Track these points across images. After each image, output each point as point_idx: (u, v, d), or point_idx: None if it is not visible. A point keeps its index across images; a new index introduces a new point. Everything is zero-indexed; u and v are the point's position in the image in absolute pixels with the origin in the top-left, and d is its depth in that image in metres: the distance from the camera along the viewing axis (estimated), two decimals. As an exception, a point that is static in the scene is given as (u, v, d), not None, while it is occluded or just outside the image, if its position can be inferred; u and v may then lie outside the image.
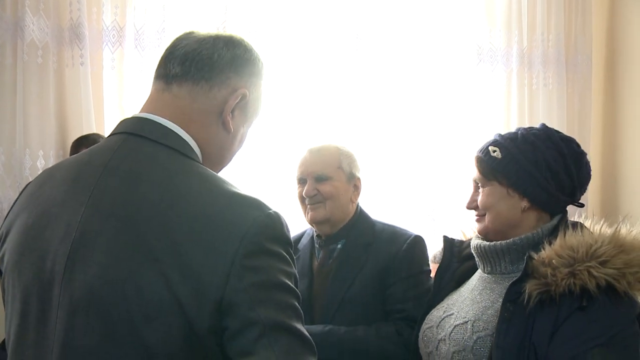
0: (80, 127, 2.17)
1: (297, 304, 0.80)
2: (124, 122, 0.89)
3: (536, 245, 1.13)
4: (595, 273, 1.03)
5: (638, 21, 2.62)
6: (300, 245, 1.65)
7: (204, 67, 0.88)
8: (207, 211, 0.77)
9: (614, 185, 2.74)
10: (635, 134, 2.63)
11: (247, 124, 0.96)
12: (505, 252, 1.17)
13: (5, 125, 2.15)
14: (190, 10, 2.30)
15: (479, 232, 1.23)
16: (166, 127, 0.86)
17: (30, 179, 2.15)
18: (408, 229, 1.74)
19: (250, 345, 0.75)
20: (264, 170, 2.39)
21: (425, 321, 1.27)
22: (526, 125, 2.52)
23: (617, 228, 1.11)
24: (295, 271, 0.83)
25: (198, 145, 0.88)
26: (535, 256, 1.08)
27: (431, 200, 2.52)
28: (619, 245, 1.06)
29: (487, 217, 1.20)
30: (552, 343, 1.03)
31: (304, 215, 1.59)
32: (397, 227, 1.63)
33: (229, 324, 0.76)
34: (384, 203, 2.48)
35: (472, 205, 1.23)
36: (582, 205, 1.25)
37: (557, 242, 1.08)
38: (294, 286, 0.81)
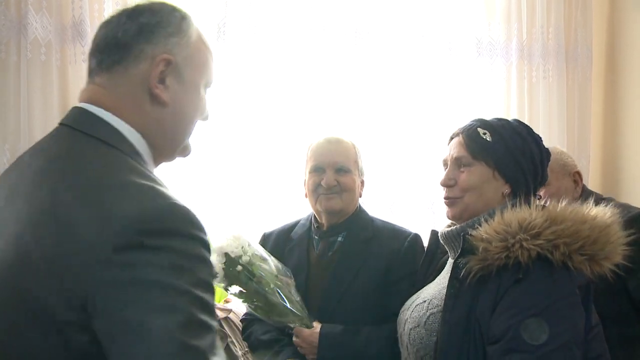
0: (83, 123, 2.17)
1: (185, 304, 0.68)
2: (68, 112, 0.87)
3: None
4: (525, 245, 1.05)
5: (639, 13, 2.57)
6: (295, 234, 1.67)
7: (112, 51, 0.83)
8: (93, 200, 0.71)
9: (614, 179, 2.72)
10: (635, 126, 2.64)
11: (193, 90, 0.88)
12: (460, 234, 1.20)
13: (9, 122, 2.20)
14: (190, 6, 2.28)
15: (452, 216, 1.24)
16: (96, 115, 0.81)
17: (35, 175, 2.16)
18: (408, 222, 1.74)
19: (117, 350, 0.67)
20: (262, 166, 2.40)
21: (402, 307, 1.33)
22: (525, 118, 2.51)
23: (552, 202, 1.15)
24: (200, 271, 0.71)
25: (139, 132, 0.83)
26: (473, 233, 1.12)
27: (431, 193, 2.51)
28: (552, 218, 1.09)
29: (466, 198, 1.25)
30: (492, 316, 1.07)
31: (312, 204, 1.61)
32: (395, 224, 1.65)
33: (96, 324, 0.68)
34: (384, 196, 2.51)
35: (450, 182, 1.24)
36: (539, 198, 1.30)
37: (495, 219, 1.12)
38: (187, 285, 0.69)
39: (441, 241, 1.29)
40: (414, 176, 2.57)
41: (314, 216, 1.64)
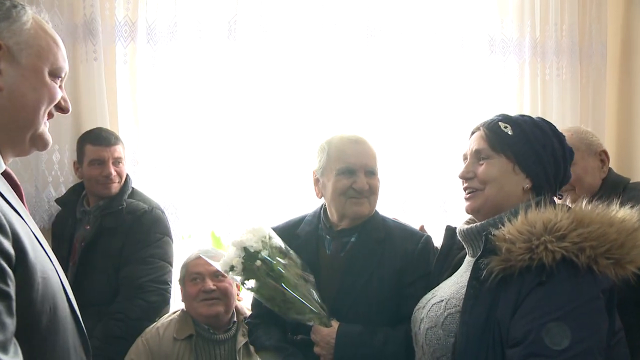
0: (94, 121, 2.21)
1: None
2: None
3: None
4: (550, 247, 1.02)
5: (654, 9, 2.54)
6: (301, 231, 1.61)
7: None
8: None
9: (629, 177, 2.66)
10: (651, 124, 2.56)
11: (34, 75, 0.89)
12: (482, 233, 1.17)
13: (21, 120, 2.16)
14: (202, 4, 2.28)
15: (471, 209, 1.21)
16: None
17: (46, 173, 2.18)
18: (421, 220, 1.71)
19: None
20: (271, 164, 2.39)
21: (417, 305, 1.31)
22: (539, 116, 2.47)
23: (579, 203, 1.11)
24: None
25: None
26: (495, 233, 1.09)
27: (443, 192, 2.50)
28: (578, 219, 1.06)
29: (487, 190, 1.20)
30: (513, 318, 1.04)
31: (337, 207, 1.53)
32: (405, 224, 1.64)
33: None
34: (397, 195, 2.48)
35: (468, 175, 1.22)
36: (561, 197, 1.28)
37: (519, 219, 1.09)
38: None
39: (459, 238, 1.26)
40: (426, 174, 2.55)
41: (324, 214, 1.60)
